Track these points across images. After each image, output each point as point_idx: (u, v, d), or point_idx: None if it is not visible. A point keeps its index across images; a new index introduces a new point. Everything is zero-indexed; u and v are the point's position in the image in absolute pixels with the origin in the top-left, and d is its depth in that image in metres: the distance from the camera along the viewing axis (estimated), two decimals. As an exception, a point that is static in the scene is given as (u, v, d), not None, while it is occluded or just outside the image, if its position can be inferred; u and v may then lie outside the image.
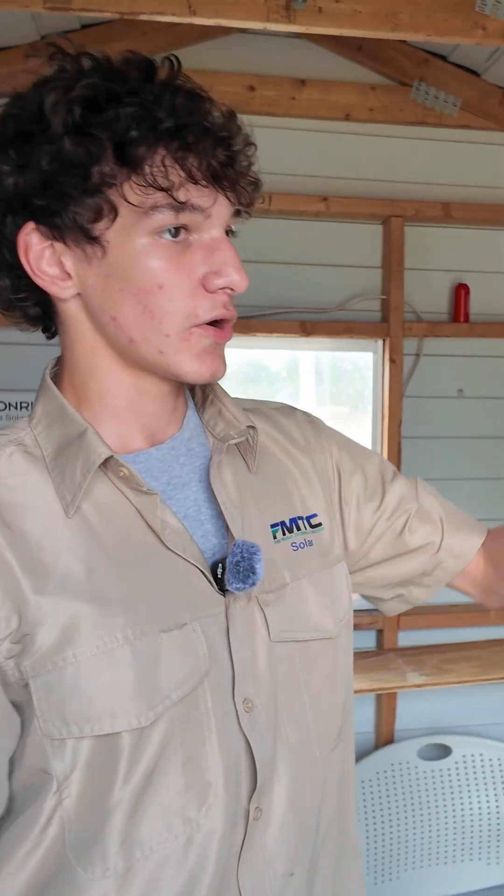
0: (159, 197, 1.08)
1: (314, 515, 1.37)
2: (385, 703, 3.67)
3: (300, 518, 1.34)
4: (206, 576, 1.18)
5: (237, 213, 1.20)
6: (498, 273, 3.77)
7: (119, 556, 1.14)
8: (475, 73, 3.60)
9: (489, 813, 3.61)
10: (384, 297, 3.65)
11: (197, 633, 1.15)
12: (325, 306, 3.61)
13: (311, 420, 1.47)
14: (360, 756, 3.56)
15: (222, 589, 1.18)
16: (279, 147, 3.54)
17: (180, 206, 1.09)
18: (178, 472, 1.25)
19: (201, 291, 1.13)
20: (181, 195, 1.08)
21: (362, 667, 3.44)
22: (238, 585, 1.16)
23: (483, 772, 3.63)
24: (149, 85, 1.10)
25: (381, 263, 3.68)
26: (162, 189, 1.07)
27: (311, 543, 1.34)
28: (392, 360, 3.61)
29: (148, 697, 1.09)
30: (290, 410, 1.48)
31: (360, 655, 3.57)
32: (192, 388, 1.35)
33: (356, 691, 3.21)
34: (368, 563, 1.47)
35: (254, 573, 1.17)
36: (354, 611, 3.86)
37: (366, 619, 3.65)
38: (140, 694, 1.09)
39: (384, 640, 3.69)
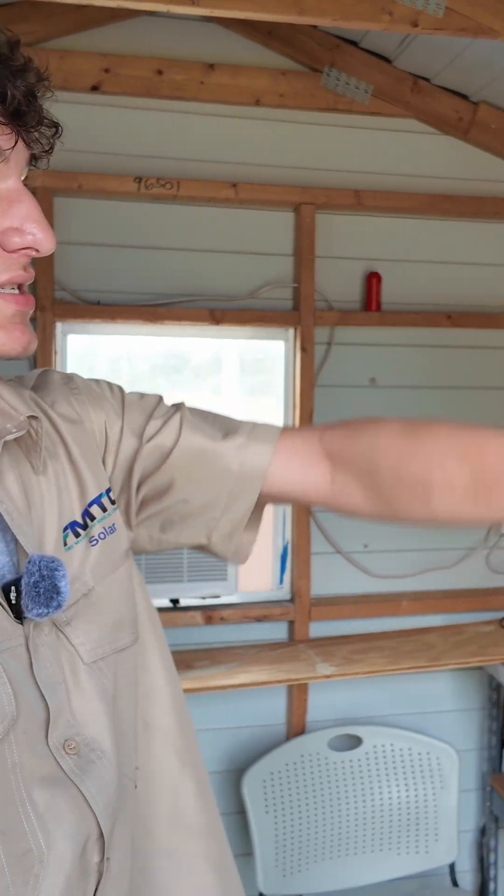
0: None
1: (110, 490, 1.26)
2: (296, 695, 3.83)
3: (99, 498, 1.22)
4: None
5: (31, 162, 1.09)
6: (409, 261, 3.94)
7: None
8: (387, 60, 3.74)
9: (400, 803, 3.78)
10: (295, 285, 3.79)
11: None
12: (236, 294, 3.74)
13: (68, 381, 1.32)
14: (271, 748, 3.71)
15: (19, 616, 1.04)
16: (187, 132, 3.67)
17: None
18: None
19: None
20: None
21: (272, 658, 3.58)
22: (41, 611, 1.02)
23: (394, 762, 3.79)
24: None
25: (293, 251, 3.81)
26: None
27: (113, 529, 1.23)
28: (303, 349, 3.75)
29: None
30: (45, 377, 1.32)
31: (270, 647, 3.71)
32: None
33: (264, 683, 3.37)
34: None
35: (58, 594, 1.03)
36: (267, 602, 3.96)
37: (276, 610, 3.80)
38: None
39: (295, 631, 3.84)
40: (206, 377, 3.99)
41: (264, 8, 2.78)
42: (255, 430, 1.35)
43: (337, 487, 1.34)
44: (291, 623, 3.87)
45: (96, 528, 1.20)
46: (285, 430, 1.36)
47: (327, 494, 1.35)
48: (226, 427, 1.35)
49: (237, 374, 4.03)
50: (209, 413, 1.39)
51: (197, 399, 3.86)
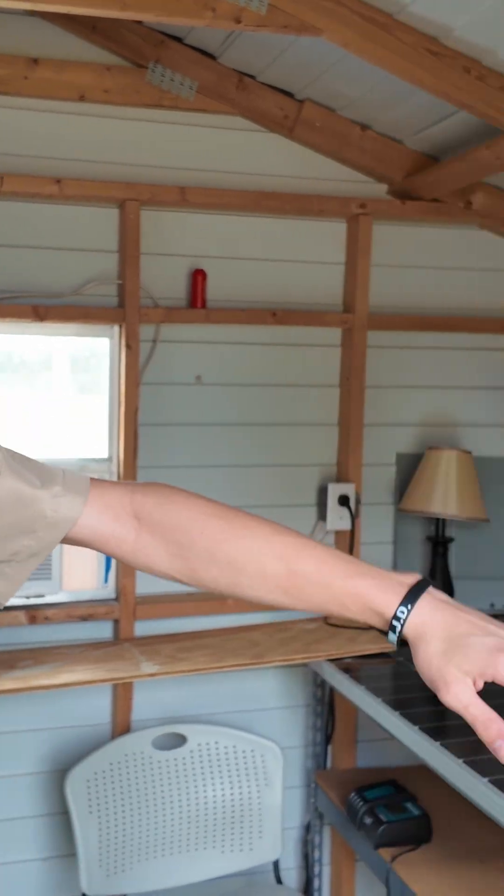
0: None
1: None
2: (121, 694, 3.89)
3: None
4: None
5: None
6: (235, 259, 4.03)
7: None
8: (212, 57, 3.81)
9: (224, 801, 3.87)
10: (120, 282, 3.85)
11: None
12: (60, 291, 3.78)
13: None
14: (95, 747, 3.76)
15: None
16: (11, 127, 3.70)
17: None
18: None
19: None
20: None
21: (97, 657, 3.64)
22: None
23: (218, 760, 3.88)
24: None
25: (118, 248, 3.87)
26: None
27: None
28: (128, 346, 3.80)
29: None
30: None
31: (94, 646, 3.77)
32: None
33: (88, 682, 3.43)
34: None
35: None
36: (92, 601, 3.98)
37: (101, 609, 3.86)
38: None
39: (120, 630, 3.90)
40: (36, 375, 4.02)
41: (87, 2, 2.84)
42: (67, 479, 1.39)
43: (140, 546, 1.40)
44: (116, 622, 3.92)
45: None
46: (95, 481, 1.42)
47: (129, 550, 1.41)
48: (41, 474, 1.38)
49: (67, 372, 4.06)
50: (24, 456, 1.41)
51: (26, 397, 3.90)
